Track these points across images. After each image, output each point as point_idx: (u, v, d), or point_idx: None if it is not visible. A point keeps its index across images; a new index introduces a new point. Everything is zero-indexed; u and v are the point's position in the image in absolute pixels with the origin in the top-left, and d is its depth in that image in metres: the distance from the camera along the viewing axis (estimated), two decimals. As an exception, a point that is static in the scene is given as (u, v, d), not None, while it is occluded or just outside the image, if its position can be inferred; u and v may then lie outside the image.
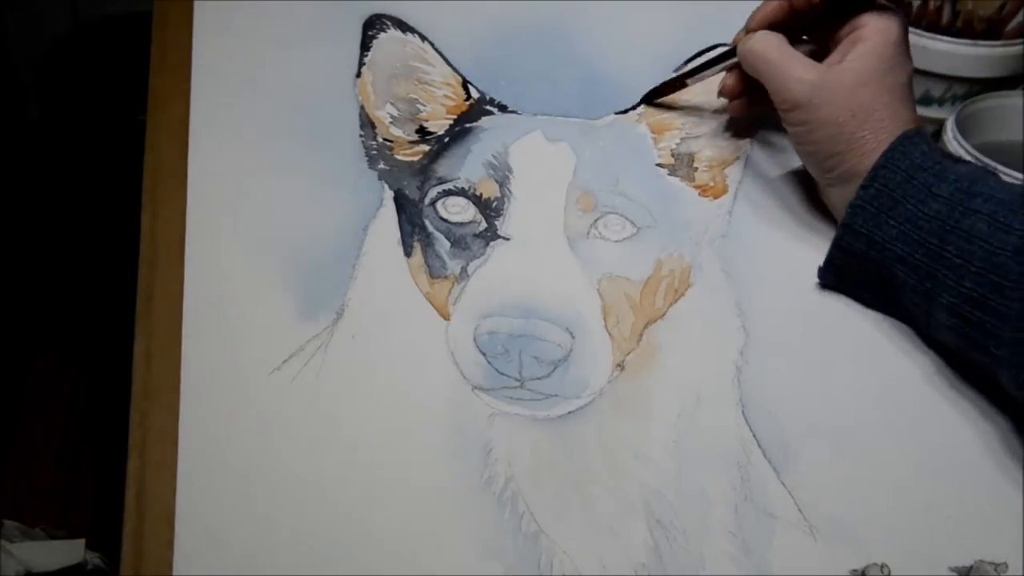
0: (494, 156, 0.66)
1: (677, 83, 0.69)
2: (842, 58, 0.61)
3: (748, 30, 0.65)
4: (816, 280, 0.63)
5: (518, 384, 0.58)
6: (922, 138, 0.60)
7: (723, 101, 0.69)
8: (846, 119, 0.60)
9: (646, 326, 0.61)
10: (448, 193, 0.64)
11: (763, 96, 0.65)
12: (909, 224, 0.58)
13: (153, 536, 0.52)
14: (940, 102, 0.86)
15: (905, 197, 0.58)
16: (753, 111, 0.68)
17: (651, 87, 0.70)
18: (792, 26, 0.64)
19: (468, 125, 0.68)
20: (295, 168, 0.66)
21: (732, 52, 0.66)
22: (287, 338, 0.59)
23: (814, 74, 0.61)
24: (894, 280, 0.59)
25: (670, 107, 0.70)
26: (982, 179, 0.58)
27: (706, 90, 0.70)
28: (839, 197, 0.62)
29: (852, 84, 0.60)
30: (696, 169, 0.68)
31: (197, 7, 0.73)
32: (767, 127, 0.69)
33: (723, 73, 0.68)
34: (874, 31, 0.61)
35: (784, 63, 0.62)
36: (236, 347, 0.58)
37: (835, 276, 0.62)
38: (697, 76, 0.69)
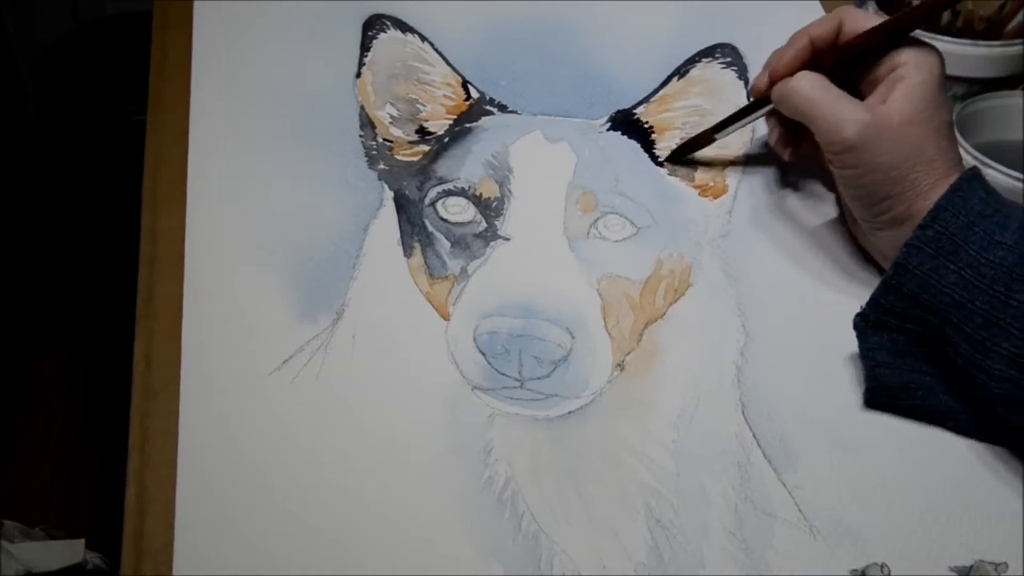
0: (494, 156, 0.66)
1: (704, 138, 0.67)
2: (884, 98, 0.59)
3: (774, 76, 0.63)
4: (813, 282, 0.63)
5: (518, 384, 0.58)
6: (980, 182, 0.57)
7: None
8: (899, 161, 0.58)
9: (646, 326, 0.61)
10: (448, 193, 0.64)
11: (804, 139, 0.64)
12: (971, 270, 0.55)
13: (153, 536, 0.52)
14: (940, 102, 0.86)
15: (967, 242, 0.55)
16: (802, 154, 0.66)
17: (682, 148, 0.68)
18: (815, 69, 0.62)
19: (468, 125, 0.68)
20: (295, 168, 0.66)
21: (763, 101, 0.64)
22: (287, 338, 0.59)
23: (865, 115, 0.58)
24: (942, 328, 0.56)
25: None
26: None
27: (706, 90, 0.70)
28: (888, 240, 0.60)
29: (901, 124, 0.58)
30: (696, 169, 0.68)
31: (197, 7, 0.73)
32: (766, 128, 0.69)
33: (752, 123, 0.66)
34: (916, 69, 0.59)
35: (832, 104, 0.59)
36: (236, 347, 0.58)
37: (874, 321, 0.59)
38: (726, 130, 0.66)
